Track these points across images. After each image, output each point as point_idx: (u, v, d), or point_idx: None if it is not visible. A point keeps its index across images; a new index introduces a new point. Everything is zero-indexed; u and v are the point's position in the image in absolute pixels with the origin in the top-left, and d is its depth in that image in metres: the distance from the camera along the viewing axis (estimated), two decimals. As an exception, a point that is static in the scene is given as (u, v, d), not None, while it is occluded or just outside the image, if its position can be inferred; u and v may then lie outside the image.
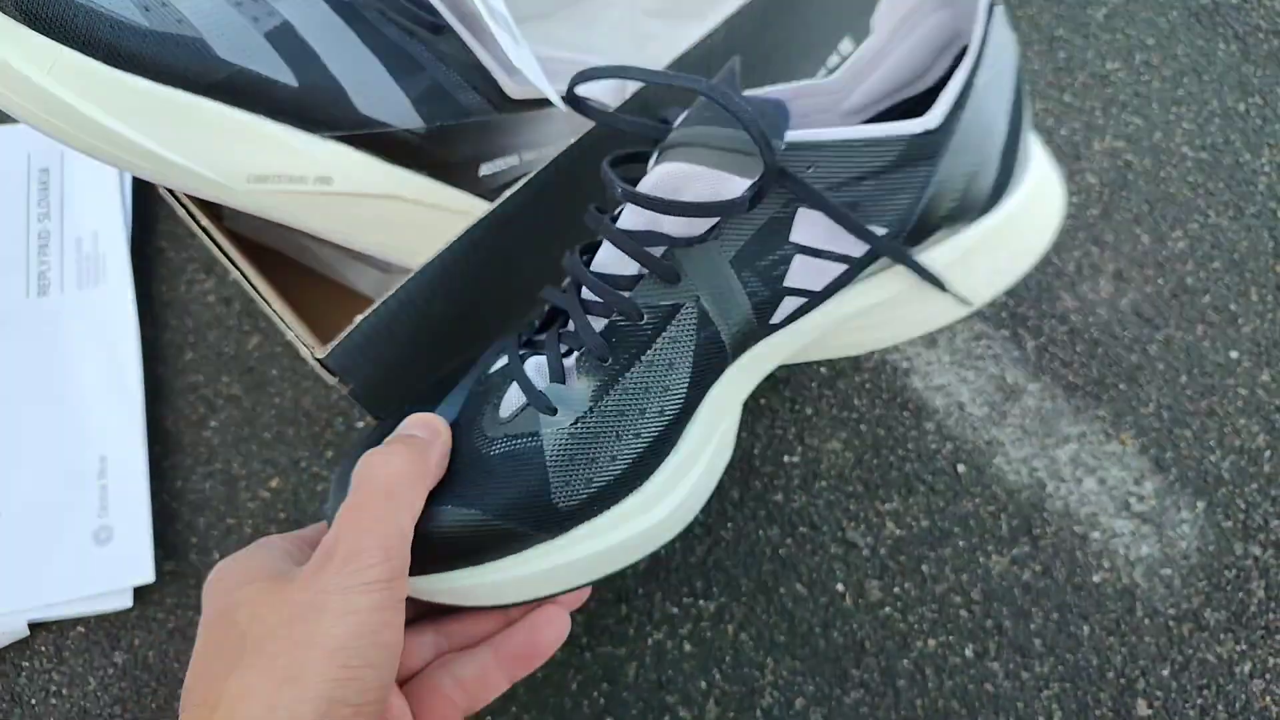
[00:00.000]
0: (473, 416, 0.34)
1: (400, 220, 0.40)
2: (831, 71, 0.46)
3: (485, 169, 0.42)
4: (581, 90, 0.36)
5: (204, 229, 0.38)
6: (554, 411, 0.33)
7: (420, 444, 0.33)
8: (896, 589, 0.46)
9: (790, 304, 0.35)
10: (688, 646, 0.46)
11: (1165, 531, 0.47)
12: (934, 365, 0.50)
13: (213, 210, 0.47)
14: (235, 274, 0.37)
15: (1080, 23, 0.54)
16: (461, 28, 0.40)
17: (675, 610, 0.46)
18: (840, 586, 0.46)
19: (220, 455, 0.49)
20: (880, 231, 0.33)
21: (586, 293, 0.34)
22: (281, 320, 0.36)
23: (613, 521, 0.35)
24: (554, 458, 0.33)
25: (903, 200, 0.33)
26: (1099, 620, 0.45)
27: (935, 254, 0.36)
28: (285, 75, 0.36)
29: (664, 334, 0.34)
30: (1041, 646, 0.45)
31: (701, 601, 0.46)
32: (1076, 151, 0.52)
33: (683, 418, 0.35)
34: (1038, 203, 0.37)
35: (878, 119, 0.39)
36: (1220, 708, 0.44)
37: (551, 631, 0.35)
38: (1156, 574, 0.46)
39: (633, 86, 0.41)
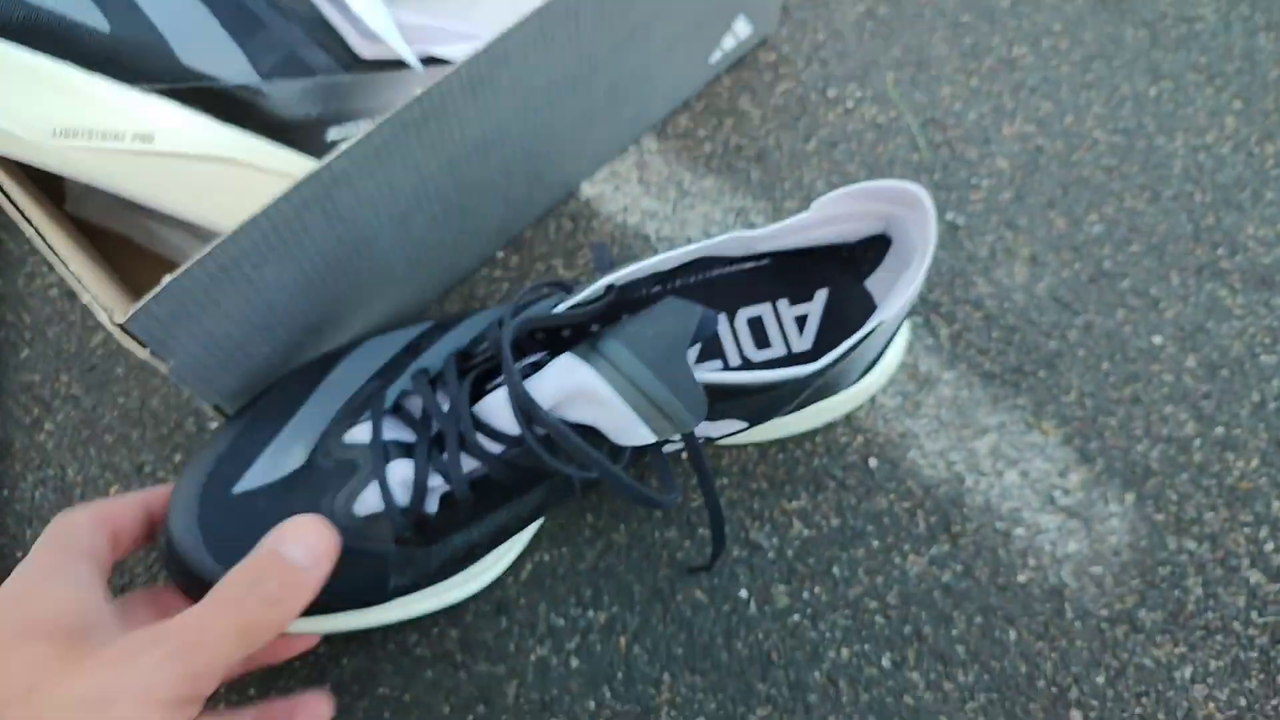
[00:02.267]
0: (320, 481, 0.35)
1: (236, 186, 0.37)
2: (724, 52, 0.46)
3: (333, 133, 0.38)
4: (439, 52, 0.34)
5: None
6: (404, 541, 0.35)
7: (296, 583, 0.31)
8: (806, 594, 0.42)
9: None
10: (574, 662, 0.41)
11: (1094, 526, 0.43)
12: (844, 356, 0.47)
13: (53, 189, 0.43)
14: (29, 232, 0.33)
15: (986, 8, 0.53)
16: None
17: (561, 622, 0.42)
18: (744, 593, 0.42)
19: (54, 460, 0.44)
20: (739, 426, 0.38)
21: (466, 425, 0.34)
22: (78, 281, 0.31)
23: (431, 593, 0.39)
24: (394, 564, 0.35)
25: (772, 407, 0.37)
26: (1026, 624, 0.41)
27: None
28: (96, 20, 0.33)
29: (530, 492, 0.36)
30: (965, 654, 0.41)
31: (591, 612, 0.42)
32: (986, 136, 0.50)
33: (515, 533, 0.38)
34: (881, 377, 0.43)
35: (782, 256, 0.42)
36: (1161, 716, 0.40)
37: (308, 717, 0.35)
38: (1086, 572, 0.42)
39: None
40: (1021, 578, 0.42)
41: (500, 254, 0.48)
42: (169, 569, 0.35)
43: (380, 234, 0.38)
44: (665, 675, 0.41)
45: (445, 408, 0.35)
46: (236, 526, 0.35)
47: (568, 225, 0.48)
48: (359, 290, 0.41)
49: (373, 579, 0.36)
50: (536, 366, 0.35)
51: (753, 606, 0.42)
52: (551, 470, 0.34)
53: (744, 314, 0.42)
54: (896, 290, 0.37)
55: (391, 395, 0.36)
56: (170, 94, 0.35)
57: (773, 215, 0.49)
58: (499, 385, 0.35)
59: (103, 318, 0.31)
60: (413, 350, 0.39)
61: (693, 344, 0.32)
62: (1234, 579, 0.42)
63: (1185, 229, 0.48)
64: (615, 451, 0.35)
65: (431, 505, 0.35)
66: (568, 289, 0.37)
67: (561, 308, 0.34)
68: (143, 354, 0.33)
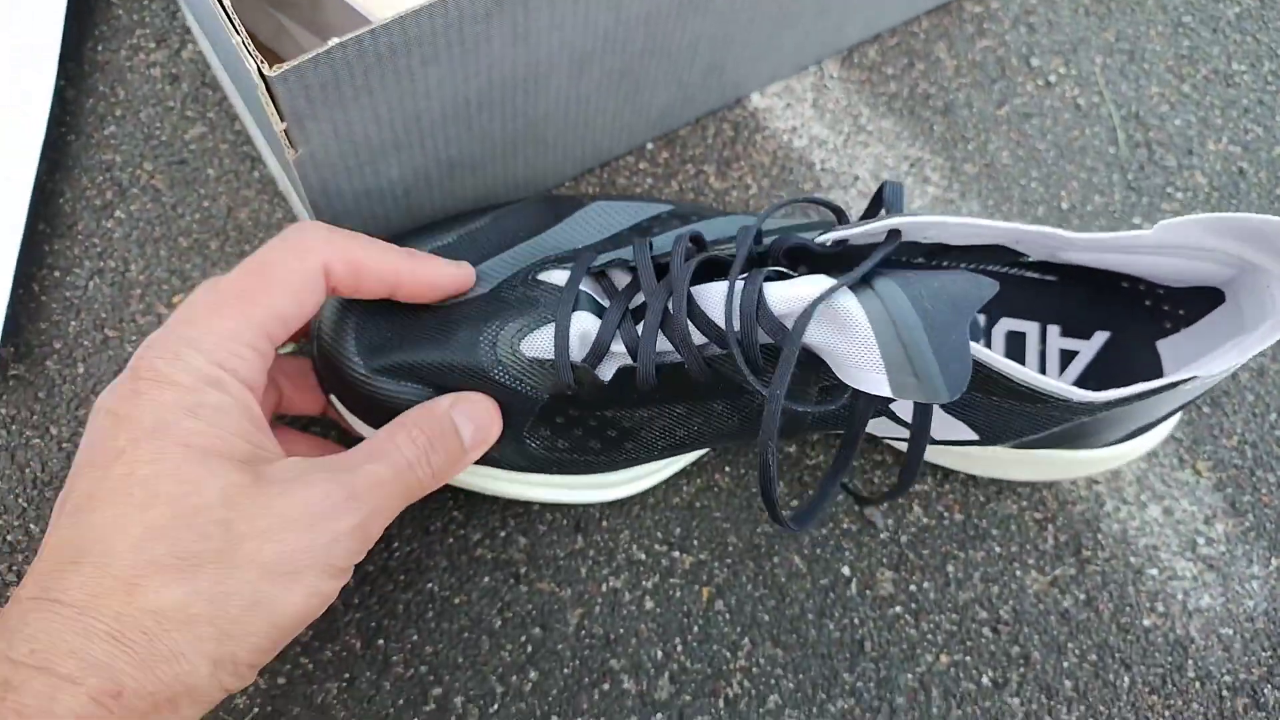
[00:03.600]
0: (496, 309, 0.31)
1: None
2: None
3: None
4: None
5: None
6: (567, 390, 0.30)
7: (463, 454, 0.30)
8: (913, 586, 0.38)
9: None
10: (649, 603, 0.36)
11: (1232, 585, 0.39)
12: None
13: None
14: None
15: (1211, 15, 0.49)
16: None
17: (643, 556, 0.37)
18: (846, 570, 0.38)
19: (118, 252, 0.39)
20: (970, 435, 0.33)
21: (679, 301, 0.29)
22: (231, 25, 0.26)
23: (558, 481, 0.35)
24: (541, 417, 0.32)
25: (1018, 427, 0.31)
26: (1143, 672, 0.37)
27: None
28: None
29: (709, 404, 0.31)
30: (1072, 690, 0.37)
31: (676, 553, 0.37)
32: (1189, 146, 0.46)
33: (672, 453, 0.34)
34: (1144, 446, 0.37)
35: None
36: (1270, 804, 0.35)
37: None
38: (1215, 631, 0.38)
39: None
40: (1146, 621, 0.38)
41: (651, 146, 0.43)
42: (314, 345, 0.32)
43: (555, 73, 0.34)
44: (745, 640, 0.36)
45: (657, 283, 0.30)
46: (392, 325, 0.31)
47: (728, 132, 0.44)
48: (509, 138, 0.36)
49: (514, 429, 0.31)
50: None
51: (853, 587, 0.37)
52: (748, 388, 0.29)
53: (1006, 324, 0.37)
54: (1226, 349, 0.30)
55: (604, 258, 0.32)
56: None
57: (949, 174, 0.44)
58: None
59: (249, 66, 0.26)
60: (640, 231, 0.34)
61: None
62: (1371, 675, 0.38)
63: (1379, 294, 0.44)
64: (826, 391, 0.30)
65: (606, 373, 0.30)
66: (838, 213, 0.32)
67: (830, 237, 0.30)
68: (278, 127, 0.28)
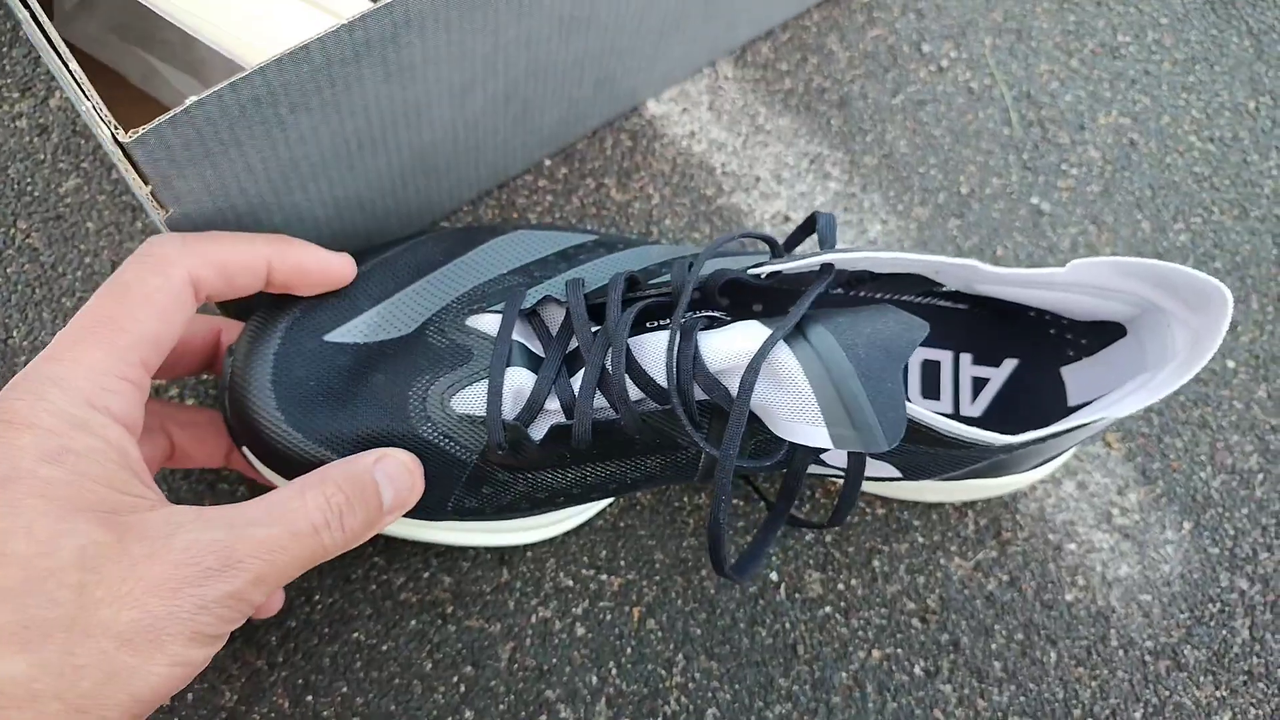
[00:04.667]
0: (425, 358, 0.30)
1: (285, 15, 0.30)
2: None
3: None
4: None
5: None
6: (499, 450, 0.29)
7: (380, 516, 0.28)
8: (840, 585, 0.38)
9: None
10: (580, 629, 0.36)
11: (1147, 552, 0.40)
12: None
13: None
14: (37, 38, 0.26)
15: (1092, -11, 0.49)
16: None
17: (570, 583, 0.37)
18: (774, 575, 0.38)
19: (-3, 318, 0.37)
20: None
21: (618, 359, 0.28)
22: (77, 86, 0.25)
23: (487, 528, 0.34)
24: (470, 479, 0.31)
25: (940, 466, 0.32)
26: (1069, 647, 0.38)
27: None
28: None
29: (647, 458, 0.31)
30: (1002, 671, 0.37)
31: (604, 576, 0.37)
32: (1080, 122, 0.46)
33: (609, 496, 0.33)
34: (1029, 481, 0.38)
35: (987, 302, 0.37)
36: (1196, 762, 0.37)
37: None
38: (1135, 599, 0.39)
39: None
40: (1069, 596, 0.39)
41: (548, 163, 0.42)
42: (224, 394, 0.31)
43: (436, 104, 0.33)
44: (679, 656, 0.36)
45: (593, 332, 0.29)
46: (311, 372, 0.30)
47: (626, 142, 0.43)
48: (396, 172, 0.35)
49: (439, 487, 0.30)
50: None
51: (782, 592, 0.38)
52: (683, 443, 0.29)
53: (922, 353, 0.37)
54: (1138, 391, 0.31)
55: (533, 296, 0.31)
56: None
57: (849, 167, 0.44)
58: (660, 329, 0.29)
59: (103, 135, 0.25)
60: (566, 257, 0.33)
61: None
62: (1283, 626, 0.39)
63: (1270, 253, 0.45)
64: (761, 443, 0.30)
65: (539, 431, 0.29)
66: (772, 246, 0.32)
67: (765, 270, 0.29)
68: (142, 191, 0.27)
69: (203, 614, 0.23)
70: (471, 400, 0.29)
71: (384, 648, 0.35)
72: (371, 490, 0.28)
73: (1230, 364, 0.43)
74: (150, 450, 0.30)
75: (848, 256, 0.29)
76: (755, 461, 0.27)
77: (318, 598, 0.36)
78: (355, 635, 0.35)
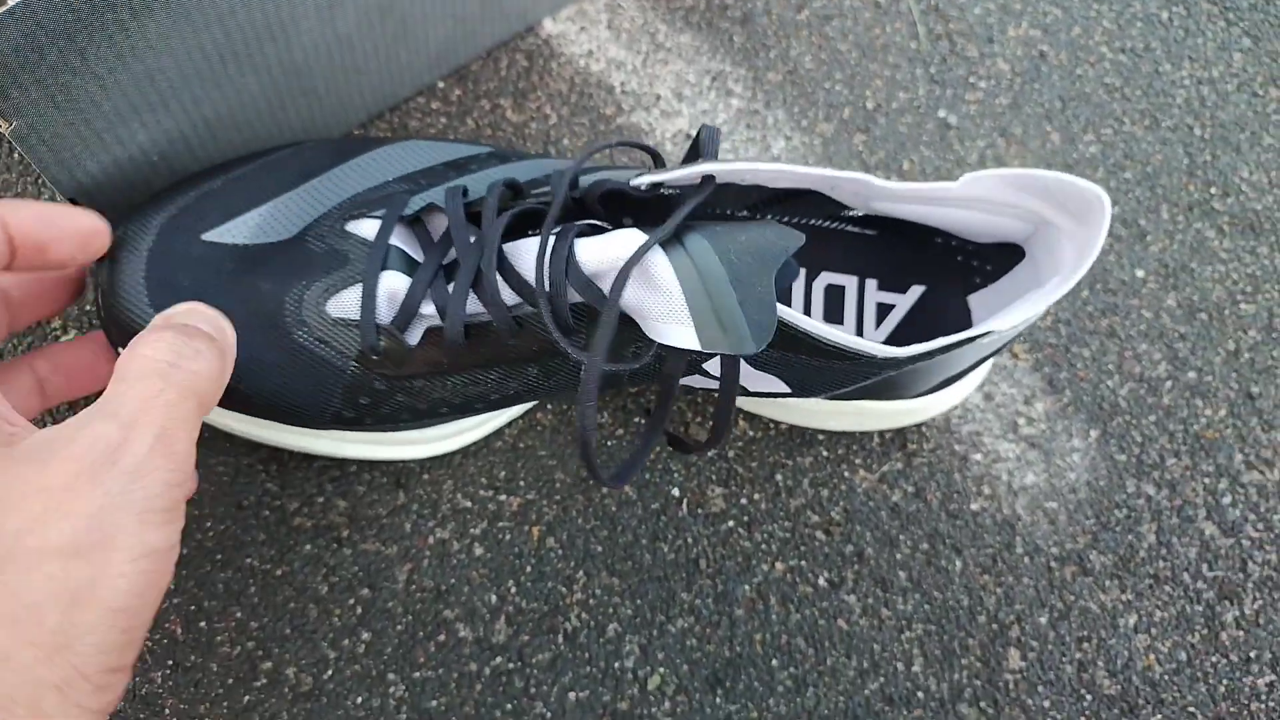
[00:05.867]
0: (302, 261, 0.30)
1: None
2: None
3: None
4: None
5: None
6: (367, 363, 0.29)
7: (221, 349, 0.26)
8: (744, 500, 0.38)
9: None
10: (478, 550, 0.36)
11: (1053, 460, 0.40)
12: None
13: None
14: None
15: (1003, -99, 0.48)
16: None
17: (468, 504, 0.37)
18: (676, 491, 0.38)
19: None
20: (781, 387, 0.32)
21: (489, 260, 0.28)
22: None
23: (371, 439, 0.34)
24: (347, 386, 0.30)
25: (828, 381, 0.32)
26: (973, 555, 0.38)
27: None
28: None
29: (524, 366, 0.31)
30: (907, 580, 0.37)
31: (503, 496, 0.37)
32: (989, 34, 0.46)
33: (489, 410, 0.33)
34: (952, 398, 0.38)
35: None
36: (1100, 664, 0.37)
37: None
38: (1040, 507, 0.39)
39: None
40: (974, 505, 0.39)
41: (441, 84, 0.42)
42: (98, 297, 0.30)
43: (303, 18, 0.32)
44: (580, 573, 0.36)
45: (471, 238, 0.29)
46: (187, 272, 0.29)
47: (522, 63, 0.42)
48: (270, 91, 0.34)
49: (317, 395, 0.30)
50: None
51: (685, 508, 0.38)
52: (555, 346, 0.29)
53: (826, 278, 0.37)
54: (1020, 304, 0.31)
55: (416, 203, 0.31)
56: None
57: (752, 84, 0.43)
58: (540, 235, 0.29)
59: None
60: (456, 167, 0.33)
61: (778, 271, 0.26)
62: (1188, 529, 0.39)
63: (1181, 162, 0.45)
64: (638, 349, 0.29)
65: (414, 336, 0.29)
66: (655, 156, 0.31)
67: (645, 181, 0.29)
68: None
69: (135, 489, 0.21)
70: (346, 304, 0.29)
71: (278, 572, 0.35)
72: (183, 314, 0.26)
73: (1140, 273, 0.43)
74: (18, 396, 0.29)
75: (729, 168, 0.29)
76: (624, 365, 0.26)
77: (209, 525, 0.35)
78: (249, 561, 0.35)
